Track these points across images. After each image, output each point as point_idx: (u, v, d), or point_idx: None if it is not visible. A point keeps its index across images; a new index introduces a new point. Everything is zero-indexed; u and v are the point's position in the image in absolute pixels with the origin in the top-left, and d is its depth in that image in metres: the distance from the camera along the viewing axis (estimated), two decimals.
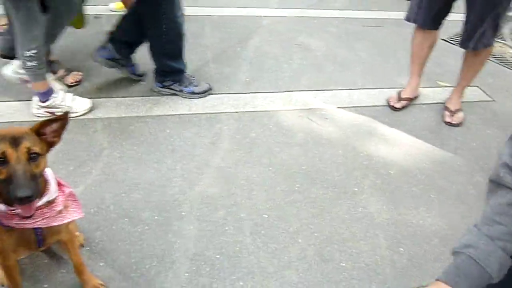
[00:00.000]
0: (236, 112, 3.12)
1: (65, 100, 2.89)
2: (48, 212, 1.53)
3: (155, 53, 3.13)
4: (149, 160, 2.60)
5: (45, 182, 1.54)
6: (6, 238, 1.58)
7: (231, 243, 2.16)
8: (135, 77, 3.31)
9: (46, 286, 1.97)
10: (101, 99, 3.10)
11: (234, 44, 3.92)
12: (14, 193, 1.31)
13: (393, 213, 2.45)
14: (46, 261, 2.06)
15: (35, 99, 2.84)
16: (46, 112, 2.84)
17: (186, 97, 3.20)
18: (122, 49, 3.14)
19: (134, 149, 2.67)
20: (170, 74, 3.17)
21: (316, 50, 4.01)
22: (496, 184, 1.08)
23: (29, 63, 2.65)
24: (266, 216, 2.33)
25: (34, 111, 2.87)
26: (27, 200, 1.33)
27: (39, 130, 1.46)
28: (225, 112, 3.11)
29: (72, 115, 2.81)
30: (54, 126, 1.50)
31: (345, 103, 3.36)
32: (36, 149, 1.40)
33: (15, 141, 1.36)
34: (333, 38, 4.28)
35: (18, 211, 1.43)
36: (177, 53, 3.14)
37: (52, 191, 1.55)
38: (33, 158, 1.39)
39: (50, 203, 1.54)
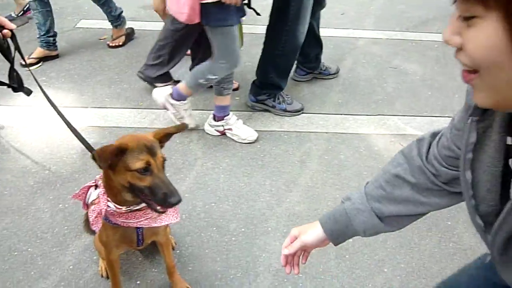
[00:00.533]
0: (326, 132, 3.12)
1: (236, 123, 3.00)
2: (150, 213, 1.66)
3: (264, 64, 3.21)
4: (240, 173, 2.69)
5: None
6: (111, 234, 1.74)
7: (315, 264, 2.15)
8: None
9: (138, 282, 2.11)
10: (197, 111, 3.27)
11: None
12: (169, 200, 1.46)
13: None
14: (140, 259, 2.21)
15: (210, 117, 3.02)
16: (216, 130, 3.01)
17: (277, 114, 3.27)
18: None
19: (226, 161, 2.78)
20: (268, 88, 3.23)
21: (413, 74, 3.89)
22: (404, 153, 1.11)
23: (200, 81, 2.79)
24: (351, 240, 2.29)
25: (207, 128, 3.05)
26: (178, 203, 1.49)
27: (161, 139, 1.59)
28: (315, 132, 3.12)
29: (240, 140, 2.96)
30: (169, 137, 1.65)
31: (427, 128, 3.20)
32: (164, 156, 1.54)
33: (151, 150, 1.49)
34: (432, 62, 4.12)
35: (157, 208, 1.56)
36: (285, 69, 3.22)
37: None
38: (163, 166, 1.53)
39: None
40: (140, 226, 1.71)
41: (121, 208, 1.61)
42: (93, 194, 1.71)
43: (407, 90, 3.66)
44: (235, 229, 2.33)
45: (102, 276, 2.11)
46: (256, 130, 3.05)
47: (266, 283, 2.09)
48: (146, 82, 3.41)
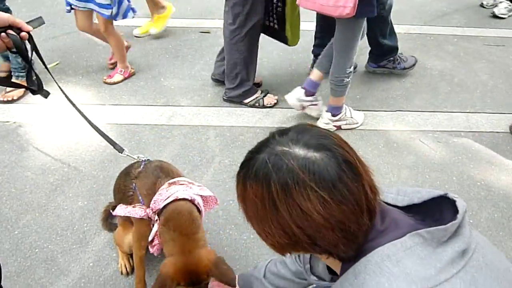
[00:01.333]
0: (345, 130, 3.08)
1: (348, 113, 3.09)
2: None
3: (371, 33, 3.35)
4: None
5: None
6: (148, 232, 1.76)
7: None
8: None
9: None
10: (212, 108, 3.27)
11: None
12: None
13: None
14: (159, 257, 2.21)
15: (327, 114, 3.04)
16: (334, 126, 3.07)
17: (399, 73, 3.63)
18: None
19: (243, 158, 2.76)
20: (386, 54, 3.57)
21: (432, 69, 3.82)
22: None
23: (346, 80, 2.88)
24: None
25: (323, 126, 3.03)
26: None
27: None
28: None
29: (353, 126, 3.10)
30: None
31: (462, 127, 3.14)
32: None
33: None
34: (451, 56, 4.04)
35: None
36: (391, 29, 3.45)
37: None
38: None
39: None
40: None
41: None
42: (153, 230, 1.78)
43: (426, 85, 3.59)
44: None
45: (122, 274, 2.11)
46: (272, 127, 3.03)
47: None
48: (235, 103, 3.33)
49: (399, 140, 3.00)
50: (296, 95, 3.02)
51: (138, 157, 1.91)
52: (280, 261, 1.65)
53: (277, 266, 1.66)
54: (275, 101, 3.29)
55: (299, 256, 1.51)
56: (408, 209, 1.05)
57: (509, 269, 1.00)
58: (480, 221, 2.42)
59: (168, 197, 1.70)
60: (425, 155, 2.87)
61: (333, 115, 3.03)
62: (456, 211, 0.97)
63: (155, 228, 1.72)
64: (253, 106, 3.25)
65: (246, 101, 3.25)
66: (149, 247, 1.72)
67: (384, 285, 0.89)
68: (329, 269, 1.29)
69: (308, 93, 3.01)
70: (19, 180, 2.63)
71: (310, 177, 0.88)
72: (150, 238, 1.73)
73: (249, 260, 2.16)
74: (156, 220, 1.71)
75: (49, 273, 2.13)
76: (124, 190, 1.92)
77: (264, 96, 3.28)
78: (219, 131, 3.03)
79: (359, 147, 2.90)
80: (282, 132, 0.99)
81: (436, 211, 1.02)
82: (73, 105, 1.83)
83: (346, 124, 3.08)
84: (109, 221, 2.32)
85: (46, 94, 1.64)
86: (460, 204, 0.98)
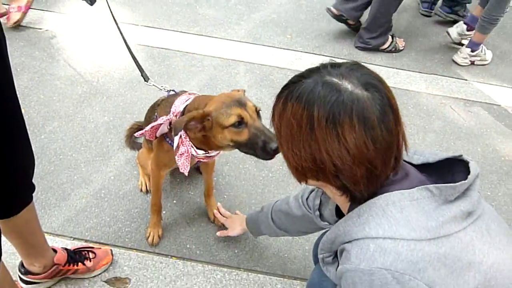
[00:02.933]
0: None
1: (483, 50, 3.31)
2: None
3: None
4: None
5: None
6: (173, 156, 1.75)
7: None
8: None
9: (175, 201, 2.18)
10: (245, 43, 3.20)
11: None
12: (269, 147, 1.39)
13: None
14: (178, 180, 2.26)
15: (466, 50, 3.27)
16: (470, 61, 3.30)
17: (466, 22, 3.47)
18: None
19: (271, 98, 2.74)
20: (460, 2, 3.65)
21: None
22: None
23: (500, 19, 3.05)
24: None
25: (460, 60, 3.31)
26: (276, 152, 1.39)
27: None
28: None
29: (484, 63, 3.36)
30: None
31: (495, 100, 3.06)
32: (257, 106, 1.50)
33: (240, 103, 1.45)
34: (496, 27, 3.85)
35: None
36: None
37: None
38: (258, 114, 1.49)
39: None
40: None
41: (199, 154, 1.62)
42: (176, 140, 1.63)
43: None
44: (272, 165, 2.34)
45: (141, 191, 2.17)
46: None
47: None
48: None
49: (430, 103, 2.94)
50: (458, 29, 3.40)
51: (163, 87, 1.87)
52: (285, 203, 1.65)
53: (281, 209, 1.67)
54: (404, 43, 3.41)
55: (307, 203, 1.53)
56: (422, 169, 1.06)
57: (510, 242, 1.01)
58: (497, 195, 2.41)
59: (188, 99, 1.64)
60: (453, 122, 2.82)
61: (472, 51, 3.24)
62: (468, 173, 0.99)
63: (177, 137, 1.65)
64: (389, 51, 3.34)
65: (384, 47, 3.33)
66: (177, 161, 1.63)
67: (384, 227, 0.91)
68: (337, 213, 1.33)
69: (469, 28, 3.35)
70: (48, 88, 2.66)
71: (356, 111, 0.88)
72: (175, 144, 1.63)
73: (265, 196, 2.20)
74: None
75: (71, 180, 2.19)
76: (149, 120, 1.90)
77: (395, 40, 3.35)
78: (250, 67, 2.99)
79: None
80: (334, 65, 0.98)
81: (448, 173, 1.03)
82: (115, 20, 1.80)
83: (480, 60, 3.31)
84: (132, 139, 2.35)
85: (92, 1, 1.61)
86: (473, 166, 0.99)
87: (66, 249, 1.80)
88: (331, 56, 3.20)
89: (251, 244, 2.04)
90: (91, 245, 1.91)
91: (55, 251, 1.73)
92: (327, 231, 1.12)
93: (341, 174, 0.94)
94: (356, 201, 1.00)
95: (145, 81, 1.92)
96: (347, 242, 0.98)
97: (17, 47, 2.86)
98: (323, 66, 0.98)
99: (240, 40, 3.23)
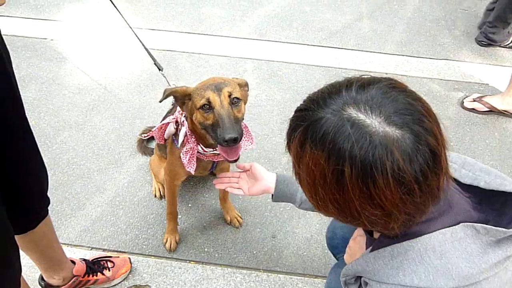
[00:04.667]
0: (386, 73, 2.96)
1: None
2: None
3: None
4: (294, 108, 2.62)
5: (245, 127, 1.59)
6: (181, 169, 1.72)
7: None
8: None
9: (190, 205, 2.16)
10: (251, 40, 3.17)
11: (391, 0, 3.67)
12: (222, 135, 1.34)
13: None
14: (192, 183, 2.24)
15: None
16: None
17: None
18: None
19: (280, 94, 2.71)
20: None
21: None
22: None
23: None
24: None
25: None
26: (232, 142, 1.35)
27: (241, 84, 1.50)
28: (374, 72, 2.97)
29: None
30: (246, 88, 1.55)
31: None
32: (237, 94, 1.42)
33: (217, 87, 1.41)
34: None
35: (222, 157, 1.46)
36: None
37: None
38: (235, 103, 1.42)
39: None
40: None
41: (206, 151, 1.58)
42: (181, 134, 1.61)
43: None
44: (287, 162, 2.31)
45: (155, 196, 2.16)
46: (312, 65, 2.95)
47: (315, 219, 2.10)
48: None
49: (443, 90, 2.88)
50: None
51: (173, 84, 1.84)
52: None
53: None
54: None
55: None
56: (468, 186, 0.94)
57: None
58: None
59: None
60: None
61: None
62: None
63: (183, 130, 1.61)
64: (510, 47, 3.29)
65: (507, 43, 3.27)
66: (182, 158, 1.58)
67: (421, 276, 0.83)
68: None
69: None
70: (57, 98, 2.65)
71: (390, 167, 0.73)
72: (180, 141, 1.60)
73: None
74: (183, 121, 1.62)
75: (86, 189, 2.19)
76: None
77: None
78: (257, 64, 2.96)
79: None
80: (362, 87, 0.79)
81: (498, 200, 0.90)
82: (122, 16, 1.77)
83: None
84: (144, 144, 2.34)
85: None
86: None
87: (84, 260, 1.79)
88: (338, 48, 3.15)
89: (270, 244, 2.01)
90: (109, 254, 1.91)
91: (73, 262, 1.73)
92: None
93: (375, 226, 0.83)
94: (388, 236, 0.90)
95: (159, 70, 1.90)
96: (375, 281, 0.91)
97: (24, 59, 2.86)
98: (347, 88, 0.80)
99: (246, 37, 3.20)
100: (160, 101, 1.52)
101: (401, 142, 0.73)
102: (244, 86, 1.54)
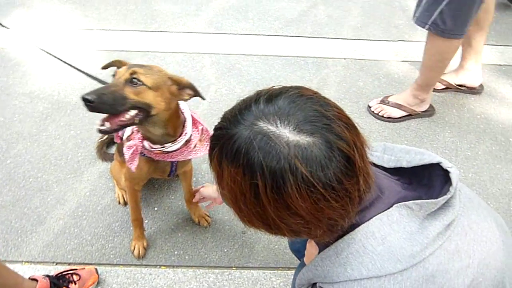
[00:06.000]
0: (344, 58, 2.98)
1: None
2: (185, 150, 1.59)
3: None
4: None
5: (182, 125, 1.56)
6: (144, 167, 1.67)
7: None
8: None
9: (156, 209, 2.11)
10: (207, 34, 3.11)
11: None
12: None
13: (508, 184, 2.25)
14: (156, 186, 2.19)
15: None
16: None
17: None
18: None
19: (240, 87, 2.68)
20: None
21: None
22: None
23: None
24: None
25: None
26: (85, 102, 1.30)
27: (177, 81, 1.44)
28: (332, 58, 2.98)
29: None
30: (188, 91, 1.47)
31: None
32: (143, 78, 1.34)
33: (134, 66, 1.38)
34: None
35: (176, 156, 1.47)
36: None
37: (188, 132, 1.58)
38: (133, 83, 1.34)
39: (187, 141, 1.58)
40: (177, 160, 1.65)
41: (155, 148, 1.54)
42: (128, 128, 1.58)
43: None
44: None
45: (119, 203, 2.10)
46: (270, 56, 2.92)
47: None
48: None
49: (401, 71, 2.91)
50: None
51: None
52: None
53: None
54: None
55: None
56: (394, 169, 0.97)
57: (494, 227, 0.97)
58: (478, 154, 2.41)
59: None
60: None
61: None
62: (447, 176, 0.89)
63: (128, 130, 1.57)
64: None
65: None
66: (124, 153, 1.55)
67: (368, 266, 0.84)
68: None
69: None
70: (7, 109, 2.53)
71: (301, 176, 0.73)
72: (126, 135, 1.58)
73: None
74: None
75: (45, 202, 2.10)
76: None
77: None
78: (215, 58, 2.91)
79: (359, 78, 2.83)
80: (269, 99, 0.80)
81: (424, 174, 0.94)
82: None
83: None
84: (104, 150, 2.27)
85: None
86: (455, 175, 0.88)
87: (48, 276, 1.72)
88: (296, 36, 3.13)
89: (240, 241, 1.99)
90: (74, 267, 1.84)
91: (36, 280, 1.65)
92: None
93: (301, 234, 0.84)
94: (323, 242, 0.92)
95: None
96: (327, 283, 0.90)
97: None
98: (256, 101, 0.80)
99: (201, 32, 3.14)
100: (103, 68, 1.48)
101: (312, 150, 0.73)
102: (180, 85, 1.45)
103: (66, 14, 3.23)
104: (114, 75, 1.39)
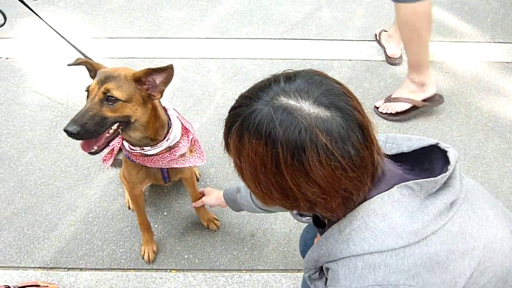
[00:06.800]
0: (350, 60, 2.98)
1: None
2: (168, 156, 1.59)
3: None
4: None
5: (167, 129, 1.55)
6: (134, 172, 1.70)
7: None
8: None
9: (165, 213, 2.13)
10: (213, 39, 3.14)
11: None
12: (65, 125, 1.32)
13: None
14: (165, 191, 2.21)
15: None
16: None
17: None
18: None
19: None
20: None
21: None
22: None
23: None
24: None
25: None
26: (69, 134, 1.32)
27: (140, 78, 1.41)
28: (338, 59, 2.98)
29: None
30: (158, 77, 1.43)
31: (471, 56, 3.04)
32: (117, 94, 1.35)
33: (104, 79, 1.36)
34: None
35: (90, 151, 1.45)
36: None
37: (174, 138, 1.57)
38: (110, 101, 1.35)
39: (171, 148, 1.58)
40: (160, 167, 1.66)
41: (134, 150, 1.55)
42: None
43: (435, 13, 3.40)
44: None
45: (129, 208, 2.12)
46: (276, 59, 2.94)
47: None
48: None
49: (406, 71, 2.90)
50: None
51: None
52: None
53: None
54: None
55: None
56: (397, 157, 0.99)
57: (501, 215, 0.98)
58: (486, 152, 2.40)
59: None
60: None
61: None
62: (446, 160, 0.92)
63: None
64: None
65: None
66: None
67: (370, 241, 0.86)
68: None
69: None
70: (18, 118, 2.57)
71: (321, 144, 0.78)
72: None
73: None
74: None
75: (57, 208, 2.13)
76: None
77: None
78: (221, 63, 2.93)
79: (365, 79, 2.83)
80: (289, 78, 0.85)
81: (425, 160, 0.97)
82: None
83: None
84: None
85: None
86: (452, 154, 0.92)
87: (8, 286, 1.72)
88: (301, 39, 3.14)
89: (249, 244, 2.00)
90: (38, 282, 1.81)
91: None
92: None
93: (316, 207, 0.86)
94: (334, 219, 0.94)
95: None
96: (332, 261, 0.93)
97: None
98: (276, 81, 0.85)
99: (207, 37, 3.16)
100: (69, 65, 1.47)
101: (331, 121, 0.79)
102: (143, 77, 1.42)
103: (73, 23, 3.27)
104: (87, 91, 1.38)
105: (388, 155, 0.99)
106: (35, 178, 2.25)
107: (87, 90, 1.39)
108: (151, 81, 1.44)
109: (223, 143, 0.93)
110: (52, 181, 2.24)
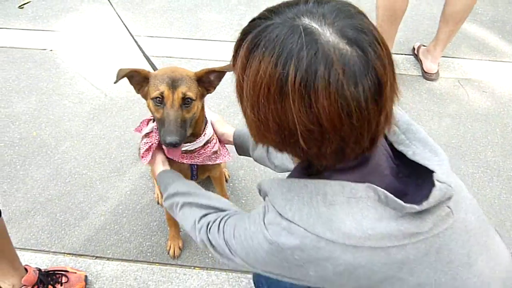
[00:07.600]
0: None
1: None
2: (203, 152, 1.63)
3: None
4: None
5: (204, 124, 1.59)
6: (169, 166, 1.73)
7: None
8: None
9: None
10: None
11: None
12: (164, 137, 1.36)
13: None
14: None
15: None
16: None
17: None
18: None
19: None
20: None
21: (482, 15, 3.57)
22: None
23: None
24: None
25: None
26: (172, 146, 1.36)
27: (202, 77, 1.46)
28: None
29: None
30: (213, 74, 1.48)
31: (510, 76, 2.98)
32: (191, 94, 1.40)
33: (173, 83, 1.39)
34: (504, 2, 3.76)
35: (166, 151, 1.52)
36: None
37: (209, 133, 1.61)
38: (187, 104, 1.40)
39: (206, 143, 1.62)
40: (194, 163, 1.69)
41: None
42: (148, 126, 1.65)
43: (475, 31, 3.38)
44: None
45: (158, 203, 2.16)
46: None
47: None
48: None
49: (443, 87, 2.87)
50: None
51: None
52: None
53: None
54: None
55: None
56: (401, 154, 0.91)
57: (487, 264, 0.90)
58: None
59: None
60: (468, 105, 2.76)
61: None
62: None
63: (152, 124, 1.59)
64: None
65: None
66: (141, 147, 1.60)
67: (302, 216, 0.83)
68: None
69: None
70: (57, 108, 2.66)
71: (334, 78, 0.70)
72: (145, 131, 1.61)
73: None
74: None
75: (89, 198, 2.19)
76: None
77: None
78: None
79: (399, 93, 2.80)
80: (320, 1, 0.77)
81: (420, 176, 0.86)
82: (122, 19, 1.78)
83: None
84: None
85: None
86: (437, 193, 0.79)
87: (39, 269, 1.76)
88: None
89: None
90: (67, 268, 1.86)
91: (27, 270, 1.69)
92: None
93: (308, 151, 0.79)
94: (307, 171, 0.90)
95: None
96: (273, 205, 0.90)
97: (23, 70, 2.87)
98: (305, 2, 0.77)
99: None
100: (115, 82, 1.50)
101: (349, 58, 0.71)
102: (204, 76, 1.47)
103: (115, 20, 3.37)
104: (158, 98, 1.40)
105: (394, 147, 0.92)
106: (70, 167, 2.33)
107: (160, 98, 1.39)
108: (208, 78, 1.50)
109: (232, 56, 0.85)
110: (86, 171, 2.31)
